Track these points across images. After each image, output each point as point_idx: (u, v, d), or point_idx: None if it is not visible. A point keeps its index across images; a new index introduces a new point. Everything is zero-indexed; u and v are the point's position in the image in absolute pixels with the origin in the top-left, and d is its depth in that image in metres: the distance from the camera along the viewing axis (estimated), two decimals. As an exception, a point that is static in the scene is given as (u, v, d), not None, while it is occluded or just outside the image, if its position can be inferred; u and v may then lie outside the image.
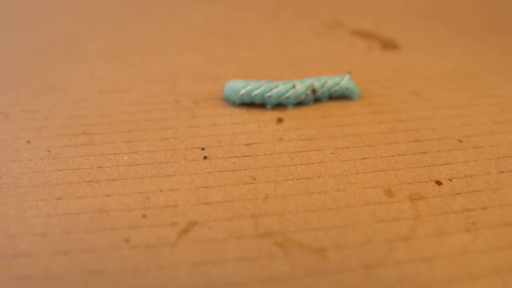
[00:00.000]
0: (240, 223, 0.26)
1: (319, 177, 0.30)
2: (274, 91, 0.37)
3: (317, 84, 0.38)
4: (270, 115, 0.37)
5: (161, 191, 0.29)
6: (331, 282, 0.23)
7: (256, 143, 0.33)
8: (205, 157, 0.32)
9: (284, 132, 0.35)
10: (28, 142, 0.34)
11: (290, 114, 0.37)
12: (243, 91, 0.37)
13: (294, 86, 0.37)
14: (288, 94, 0.37)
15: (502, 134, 0.36)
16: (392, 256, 0.25)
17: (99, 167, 0.31)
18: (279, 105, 0.38)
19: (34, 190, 0.29)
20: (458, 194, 0.30)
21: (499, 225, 0.27)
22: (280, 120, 0.36)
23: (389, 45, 0.52)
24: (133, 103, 0.39)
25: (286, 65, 0.46)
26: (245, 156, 0.32)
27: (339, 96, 0.40)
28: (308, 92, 0.37)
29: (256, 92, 0.37)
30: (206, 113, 0.37)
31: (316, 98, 0.39)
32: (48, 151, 0.33)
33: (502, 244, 0.26)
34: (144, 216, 0.27)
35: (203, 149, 0.33)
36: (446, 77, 0.45)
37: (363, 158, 0.32)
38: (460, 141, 0.35)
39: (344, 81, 0.38)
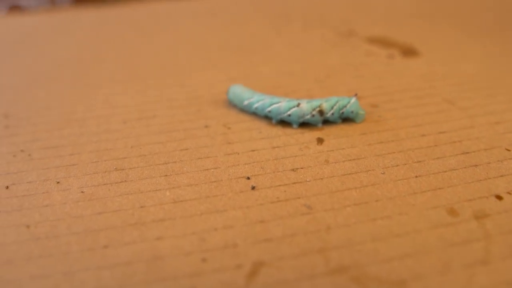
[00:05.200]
0: (309, 259, 0.25)
1: (377, 201, 0.29)
2: (274, 106, 0.35)
3: (326, 105, 0.36)
4: (309, 136, 0.35)
5: (215, 229, 0.27)
6: (423, 321, 0.22)
7: (302, 168, 0.32)
8: (253, 188, 0.30)
9: (328, 153, 0.33)
10: (58, 183, 0.31)
11: (329, 133, 0.36)
12: (246, 102, 0.37)
13: (298, 105, 0.35)
14: (289, 112, 0.35)
15: (548, 139, 0.35)
16: (475, 283, 0.23)
17: (141, 206, 0.29)
18: (284, 122, 0.37)
19: (76, 239, 0.26)
20: (522, 208, 0.28)
21: None
22: (320, 141, 0.35)
23: (408, 51, 0.51)
24: (162, 131, 0.37)
25: (311, 80, 0.45)
26: (294, 183, 0.30)
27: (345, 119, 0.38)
28: (315, 112, 0.35)
29: (256, 105, 0.37)
30: (241, 138, 0.35)
31: (325, 119, 0.37)
32: (82, 192, 0.30)
33: None
34: (204, 260, 0.25)
35: (248, 178, 0.31)
36: (475, 82, 0.44)
37: (416, 176, 0.31)
38: (508, 149, 0.34)
39: (350, 104, 0.36)
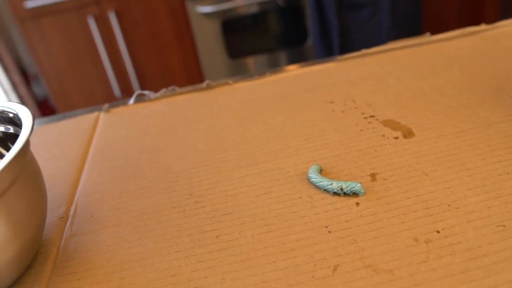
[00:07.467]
0: None
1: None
2: (319, 184, 0.73)
3: (344, 186, 0.72)
4: (351, 201, 0.72)
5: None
6: None
7: (347, 221, 0.69)
8: (329, 232, 0.67)
9: (362, 211, 0.70)
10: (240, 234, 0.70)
11: (361, 199, 0.72)
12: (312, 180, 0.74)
13: (331, 184, 0.72)
14: (327, 187, 0.73)
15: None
16: None
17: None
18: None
19: (259, 259, 0.65)
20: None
21: None
22: (357, 204, 0.72)
23: (408, 133, 0.86)
24: (280, 201, 0.74)
25: (350, 161, 0.81)
26: (347, 228, 0.67)
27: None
28: (339, 190, 0.72)
29: (318, 184, 0.74)
30: (320, 204, 0.73)
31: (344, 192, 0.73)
32: (253, 238, 0.69)
33: None
34: None
35: (326, 227, 0.68)
36: (444, 157, 0.79)
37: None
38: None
39: (356, 187, 0.72)
